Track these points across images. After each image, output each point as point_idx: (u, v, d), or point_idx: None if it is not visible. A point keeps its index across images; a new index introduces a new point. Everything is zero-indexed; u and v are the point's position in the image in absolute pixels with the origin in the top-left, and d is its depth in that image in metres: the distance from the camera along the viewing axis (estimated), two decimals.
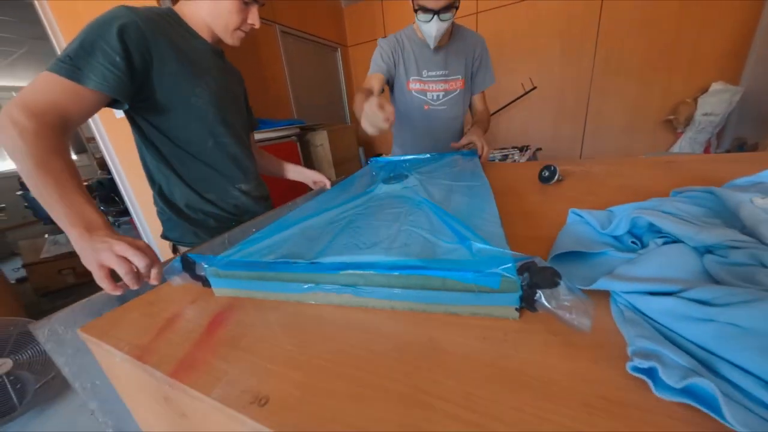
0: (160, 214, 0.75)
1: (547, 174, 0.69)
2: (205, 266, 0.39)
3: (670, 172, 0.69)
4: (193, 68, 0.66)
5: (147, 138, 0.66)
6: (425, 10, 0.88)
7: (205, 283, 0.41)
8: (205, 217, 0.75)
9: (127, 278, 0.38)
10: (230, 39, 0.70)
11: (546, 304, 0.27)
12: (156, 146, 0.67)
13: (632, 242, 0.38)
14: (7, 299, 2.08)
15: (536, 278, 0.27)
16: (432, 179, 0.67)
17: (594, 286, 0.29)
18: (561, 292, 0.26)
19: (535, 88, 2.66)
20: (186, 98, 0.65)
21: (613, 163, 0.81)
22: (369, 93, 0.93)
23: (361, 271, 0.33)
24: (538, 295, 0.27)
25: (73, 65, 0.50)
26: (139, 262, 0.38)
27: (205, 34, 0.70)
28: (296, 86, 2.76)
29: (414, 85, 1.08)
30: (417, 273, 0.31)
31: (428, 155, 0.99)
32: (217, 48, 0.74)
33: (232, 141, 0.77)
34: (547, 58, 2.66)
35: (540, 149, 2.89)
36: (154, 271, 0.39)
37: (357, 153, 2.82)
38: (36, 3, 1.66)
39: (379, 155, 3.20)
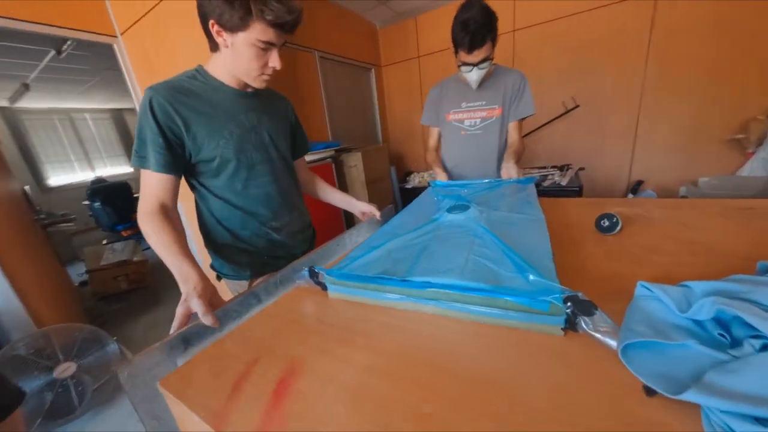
0: (207, 249, 0.86)
1: (606, 224, 0.65)
2: (325, 275, 0.54)
3: (749, 224, 0.63)
4: (216, 120, 0.72)
5: (194, 189, 0.79)
6: (466, 64, 1.07)
7: (324, 287, 0.55)
8: (239, 254, 0.83)
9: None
10: (255, 83, 0.74)
11: (585, 327, 0.37)
12: (201, 195, 0.79)
13: (720, 334, 0.34)
14: (72, 303, 2.33)
15: (578, 307, 0.36)
16: (491, 209, 0.73)
17: (685, 397, 0.27)
18: (597, 319, 0.36)
19: (577, 106, 2.55)
20: (213, 151, 0.72)
21: (677, 207, 0.75)
22: (434, 150, 1.36)
23: (444, 290, 0.44)
24: (578, 319, 0.36)
25: (139, 156, 0.67)
26: (201, 317, 0.50)
27: (231, 82, 0.75)
28: (332, 108, 2.88)
29: (453, 116, 1.27)
30: (486, 295, 0.41)
31: (486, 180, 1.04)
32: (244, 91, 0.78)
33: (263, 181, 0.81)
34: (590, 75, 2.55)
35: (583, 169, 2.75)
36: (208, 322, 0.50)
37: (389, 172, 2.86)
38: (113, 43, 1.90)
39: (410, 173, 3.24)
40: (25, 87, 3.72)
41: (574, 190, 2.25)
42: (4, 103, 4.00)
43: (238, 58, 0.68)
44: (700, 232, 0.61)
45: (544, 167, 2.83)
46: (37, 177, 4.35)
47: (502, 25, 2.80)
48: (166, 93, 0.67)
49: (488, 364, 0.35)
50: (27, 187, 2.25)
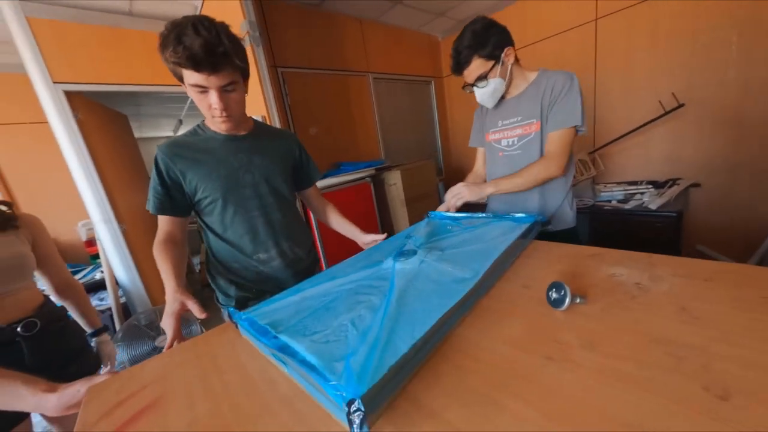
0: (207, 276, 0.99)
1: (554, 297, 0.50)
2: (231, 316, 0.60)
3: None
4: (207, 166, 0.82)
5: (199, 224, 0.92)
6: (466, 85, 1.03)
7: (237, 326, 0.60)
8: (228, 285, 0.91)
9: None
10: (217, 126, 0.83)
11: None
12: (203, 229, 0.91)
13: None
14: (190, 287, 3.06)
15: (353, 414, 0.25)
16: (436, 259, 0.68)
17: None
18: None
19: (681, 105, 1.95)
20: (204, 192, 0.83)
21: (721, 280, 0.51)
22: (475, 173, 1.26)
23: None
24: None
25: (148, 198, 0.82)
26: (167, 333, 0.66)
27: (219, 129, 0.85)
28: (385, 126, 2.98)
29: (492, 136, 1.14)
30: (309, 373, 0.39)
31: (485, 215, 0.97)
32: (234, 136, 0.87)
33: (250, 216, 0.88)
34: (696, 66, 1.92)
35: (697, 185, 2.07)
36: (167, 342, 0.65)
37: (436, 188, 2.76)
38: None
39: None
40: (180, 122, 5.09)
41: (668, 217, 1.72)
42: (170, 134, 5.67)
43: (197, 104, 0.76)
44: (695, 329, 0.41)
45: (636, 182, 2.25)
46: None
47: (581, 16, 2.40)
48: (167, 150, 0.81)
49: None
50: None
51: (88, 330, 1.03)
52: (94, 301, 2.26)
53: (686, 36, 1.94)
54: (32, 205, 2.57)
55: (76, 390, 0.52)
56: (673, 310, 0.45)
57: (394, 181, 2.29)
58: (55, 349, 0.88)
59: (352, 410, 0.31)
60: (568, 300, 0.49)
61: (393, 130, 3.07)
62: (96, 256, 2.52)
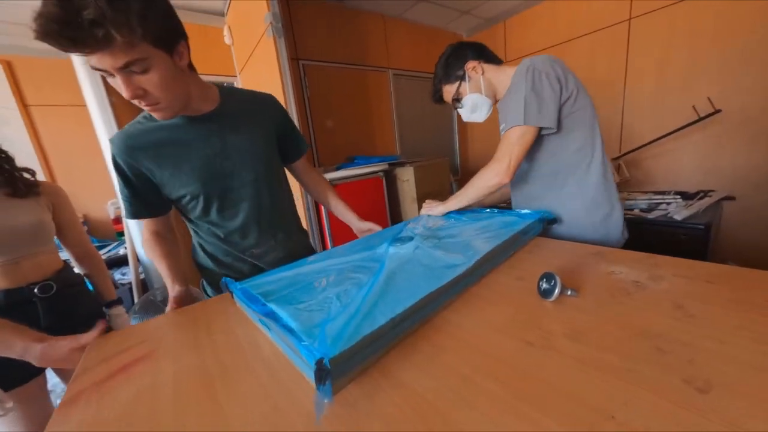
0: (195, 268, 0.90)
1: (544, 287, 0.49)
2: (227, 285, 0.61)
3: None
4: (174, 159, 0.69)
5: (185, 219, 0.82)
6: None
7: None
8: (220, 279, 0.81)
9: None
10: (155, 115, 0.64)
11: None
12: (188, 222, 0.82)
13: None
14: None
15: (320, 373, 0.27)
16: (430, 246, 0.67)
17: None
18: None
19: (718, 111, 1.83)
20: (180, 190, 0.72)
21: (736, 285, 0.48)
22: None
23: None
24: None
25: (122, 203, 0.74)
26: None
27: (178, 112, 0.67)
28: (402, 123, 2.98)
29: None
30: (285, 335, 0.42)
31: (490, 210, 0.95)
32: (198, 115, 0.71)
33: (239, 208, 0.77)
34: (737, 70, 1.79)
35: (731, 199, 1.94)
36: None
37: (450, 187, 2.74)
38: (234, 82, 2.52)
39: None
40: None
41: (694, 228, 1.62)
42: None
43: None
44: (694, 328, 0.39)
45: (663, 192, 2.13)
46: None
47: (614, 15, 2.30)
48: (122, 146, 0.67)
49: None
50: None
51: (104, 301, 1.10)
52: (117, 275, 2.40)
53: (726, 37, 1.82)
54: (69, 183, 2.76)
55: (61, 345, 0.54)
56: (668, 308, 0.43)
57: (407, 177, 2.28)
58: (68, 312, 0.93)
59: (319, 368, 0.32)
60: (557, 291, 0.48)
61: (410, 128, 3.07)
62: (121, 233, 2.68)
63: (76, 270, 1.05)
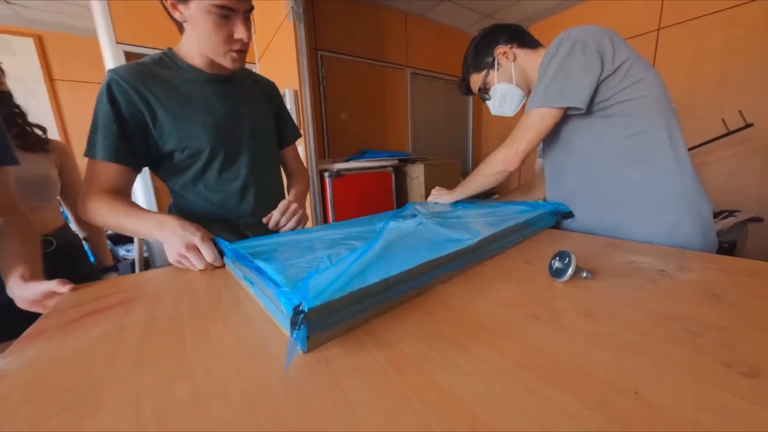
0: None
1: (556, 266, 0.44)
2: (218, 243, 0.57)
3: None
4: (186, 109, 0.66)
5: (166, 181, 0.74)
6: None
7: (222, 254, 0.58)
8: None
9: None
10: (226, 62, 0.66)
11: None
12: (171, 187, 0.75)
13: None
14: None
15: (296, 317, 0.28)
16: (435, 223, 0.63)
17: None
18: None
19: (749, 125, 1.74)
20: (182, 143, 0.66)
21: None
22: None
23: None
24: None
25: (90, 144, 0.61)
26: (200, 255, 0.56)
27: (202, 65, 0.68)
28: (416, 121, 2.95)
29: None
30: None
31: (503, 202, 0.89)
32: (216, 75, 0.71)
33: (240, 173, 0.75)
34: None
35: (758, 220, 1.84)
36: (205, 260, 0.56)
37: None
38: (254, 68, 2.54)
39: (493, 194, 2.92)
40: None
41: (719, 245, 1.52)
42: None
43: (199, 33, 0.61)
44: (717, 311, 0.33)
45: None
46: None
47: (642, 25, 2.23)
48: (128, 77, 0.61)
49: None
50: None
51: (100, 266, 1.09)
52: (122, 252, 2.42)
53: (762, 49, 1.74)
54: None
55: (32, 286, 0.51)
56: (701, 296, 0.38)
57: (417, 174, 2.25)
58: (65, 269, 0.92)
59: (295, 312, 0.28)
60: (571, 270, 0.43)
61: (424, 127, 3.04)
62: None
63: (75, 230, 1.05)
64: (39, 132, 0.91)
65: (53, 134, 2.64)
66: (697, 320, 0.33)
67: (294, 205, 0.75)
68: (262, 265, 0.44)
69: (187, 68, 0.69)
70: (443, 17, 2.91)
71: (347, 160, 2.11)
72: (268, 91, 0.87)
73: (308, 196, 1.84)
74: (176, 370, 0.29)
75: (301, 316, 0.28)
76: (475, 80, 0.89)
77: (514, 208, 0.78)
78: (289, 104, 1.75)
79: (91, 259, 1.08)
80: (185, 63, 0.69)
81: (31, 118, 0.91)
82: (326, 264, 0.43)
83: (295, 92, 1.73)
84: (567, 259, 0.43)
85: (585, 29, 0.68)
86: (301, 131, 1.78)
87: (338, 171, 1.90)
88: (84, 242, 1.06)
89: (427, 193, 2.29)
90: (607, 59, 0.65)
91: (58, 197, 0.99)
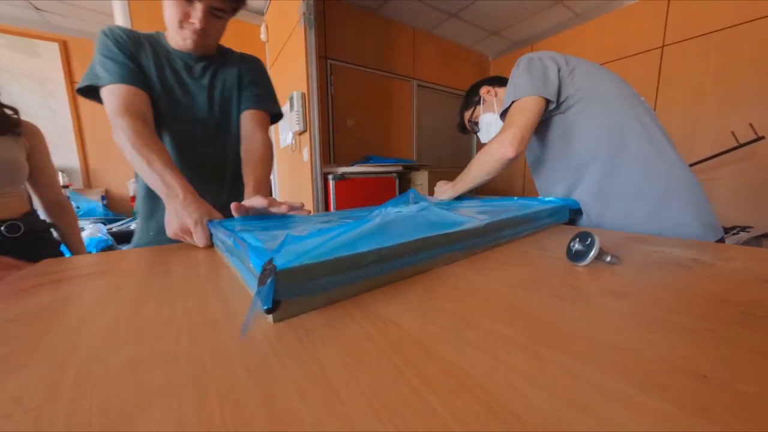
0: (137, 214, 0.79)
1: (576, 249, 0.39)
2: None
3: None
4: (158, 75, 0.69)
5: None
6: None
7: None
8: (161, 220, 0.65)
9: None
10: (181, 41, 0.68)
11: None
12: None
13: None
14: None
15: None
16: (441, 209, 0.57)
17: None
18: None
19: (760, 138, 1.68)
20: (159, 108, 0.67)
21: None
22: None
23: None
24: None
25: (95, 76, 0.62)
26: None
27: (181, 47, 0.71)
28: (421, 132, 2.95)
29: None
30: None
31: (507, 200, 0.82)
32: (197, 54, 0.73)
33: (211, 147, 0.74)
34: None
35: None
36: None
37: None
38: None
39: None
40: None
41: None
42: None
43: (165, 11, 0.64)
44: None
45: None
46: None
47: (646, 43, 2.23)
48: (126, 31, 0.66)
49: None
50: None
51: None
52: (125, 247, 2.38)
53: (756, 65, 1.70)
54: (97, 157, 2.84)
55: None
56: (749, 281, 0.32)
57: (421, 181, 2.21)
58: (34, 255, 0.86)
59: (264, 267, 0.23)
60: (594, 252, 0.37)
61: (428, 137, 3.03)
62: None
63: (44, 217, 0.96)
64: (10, 113, 0.85)
65: (69, 133, 2.68)
66: (757, 304, 0.26)
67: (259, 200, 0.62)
68: (245, 236, 0.39)
69: (169, 47, 0.72)
70: (450, 33, 2.95)
71: (352, 164, 2.09)
72: (248, 62, 0.82)
73: (311, 193, 1.81)
74: (123, 336, 0.24)
75: (270, 271, 0.23)
76: (466, 116, 1.04)
77: (525, 202, 0.72)
78: (297, 106, 1.74)
79: (65, 252, 1.01)
80: (166, 45, 0.72)
81: (49, 117, 0.88)
82: (313, 233, 0.38)
83: (303, 94, 1.72)
84: (589, 240, 0.38)
85: (540, 52, 0.80)
86: (308, 136, 1.77)
87: (342, 174, 1.87)
88: (54, 229, 0.97)
89: None
90: (561, 63, 0.75)
91: (27, 183, 0.92)
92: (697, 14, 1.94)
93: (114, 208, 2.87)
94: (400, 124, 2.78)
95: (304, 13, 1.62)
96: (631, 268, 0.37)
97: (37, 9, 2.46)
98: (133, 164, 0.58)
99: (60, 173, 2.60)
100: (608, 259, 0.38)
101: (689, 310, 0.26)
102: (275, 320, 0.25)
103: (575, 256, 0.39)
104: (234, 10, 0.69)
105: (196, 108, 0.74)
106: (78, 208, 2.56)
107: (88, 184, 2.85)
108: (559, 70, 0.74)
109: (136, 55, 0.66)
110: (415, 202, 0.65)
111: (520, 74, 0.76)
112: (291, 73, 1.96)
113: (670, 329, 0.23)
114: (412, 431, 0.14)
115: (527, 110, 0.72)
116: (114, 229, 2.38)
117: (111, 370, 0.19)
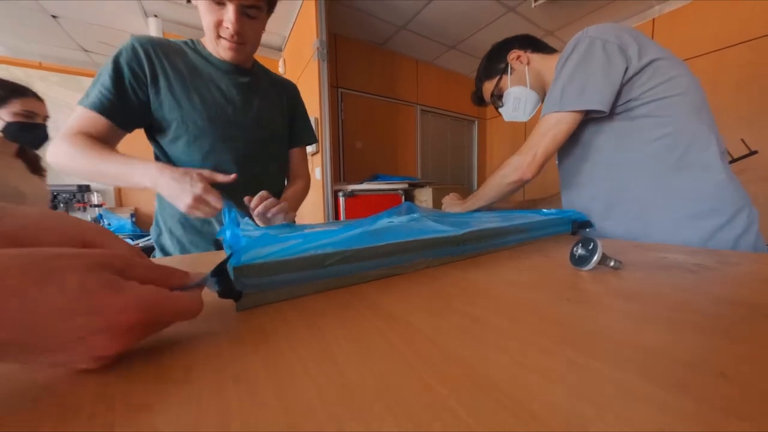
0: (156, 222, 0.73)
1: (579, 254, 0.37)
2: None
3: None
4: (191, 82, 0.64)
5: (155, 154, 0.68)
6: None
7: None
8: (181, 246, 0.67)
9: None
10: (220, 50, 0.65)
11: None
12: (158, 159, 0.68)
13: None
14: None
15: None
16: (433, 220, 0.54)
17: None
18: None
19: (753, 153, 1.64)
20: (175, 111, 0.62)
21: None
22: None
23: None
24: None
25: (87, 92, 0.58)
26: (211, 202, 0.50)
27: (213, 50, 0.68)
28: (425, 152, 2.99)
29: None
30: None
31: (508, 211, 0.76)
32: (234, 65, 0.69)
33: (227, 159, 0.67)
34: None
35: None
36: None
37: None
38: None
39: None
40: None
41: None
42: None
43: (202, 20, 0.60)
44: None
45: None
46: None
47: None
48: (145, 41, 0.61)
49: None
50: None
51: None
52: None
53: (756, 84, 1.69)
54: None
55: None
56: (759, 285, 0.30)
57: (425, 197, 2.21)
58: None
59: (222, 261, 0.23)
60: (597, 256, 0.35)
61: (432, 157, 3.06)
62: None
63: None
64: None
65: None
66: None
67: (272, 199, 0.62)
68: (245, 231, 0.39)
69: (208, 55, 0.68)
70: (449, 63, 3.05)
71: (361, 182, 2.11)
72: (288, 90, 0.84)
73: (322, 202, 1.82)
74: None
75: (224, 262, 0.24)
76: (488, 88, 0.81)
77: (525, 214, 0.71)
78: None
79: None
80: (206, 50, 0.69)
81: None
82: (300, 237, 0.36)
83: (316, 119, 1.78)
84: (591, 245, 0.36)
85: (605, 26, 0.59)
86: (320, 157, 1.80)
87: (352, 191, 1.89)
88: None
89: None
90: (632, 56, 0.56)
91: None
92: (680, 39, 1.96)
93: (142, 224, 2.93)
94: (406, 145, 2.83)
95: (317, 48, 1.70)
96: (636, 272, 0.35)
97: (85, 50, 2.65)
98: (89, 168, 0.54)
99: (95, 193, 2.69)
100: (612, 263, 0.37)
101: (700, 311, 0.24)
102: (238, 309, 0.25)
103: (579, 261, 0.37)
104: (268, 11, 0.64)
105: (236, 122, 0.69)
106: (109, 225, 2.63)
107: (120, 203, 2.94)
108: (623, 70, 0.56)
109: (145, 66, 0.60)
110: (407, 214, 0.63)
111: (574, 68, 0.58)
112: (306, 101, 2.01)
113: (682, 329, 0.21)
114: (429, 430, 0.13)
115: (560, 128, 0.60)
116: (141, 244, 2.43)
117: None
